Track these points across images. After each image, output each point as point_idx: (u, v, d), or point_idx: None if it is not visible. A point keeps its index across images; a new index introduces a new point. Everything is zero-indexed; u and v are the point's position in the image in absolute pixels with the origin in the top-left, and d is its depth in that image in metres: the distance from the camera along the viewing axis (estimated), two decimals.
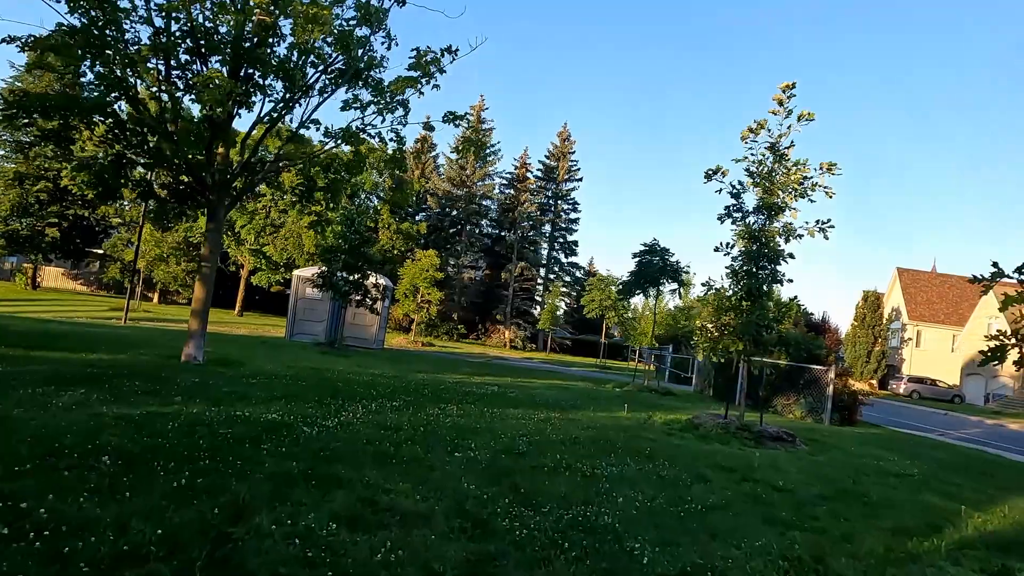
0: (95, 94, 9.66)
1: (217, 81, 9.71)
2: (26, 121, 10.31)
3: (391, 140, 12.12)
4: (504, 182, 54.71)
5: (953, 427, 19.87)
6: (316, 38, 10.16)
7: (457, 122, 12.12)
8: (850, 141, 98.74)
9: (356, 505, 3.91)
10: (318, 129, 11.54)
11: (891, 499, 6.19)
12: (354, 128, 11.54)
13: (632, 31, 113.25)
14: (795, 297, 10.84)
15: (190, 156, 10.73)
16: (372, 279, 21.61)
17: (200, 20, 10.12)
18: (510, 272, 51.33)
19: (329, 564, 3.02)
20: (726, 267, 10.30)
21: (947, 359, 43.93)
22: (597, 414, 10.48)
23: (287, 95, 11.08)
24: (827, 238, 9.71)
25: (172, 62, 10.24)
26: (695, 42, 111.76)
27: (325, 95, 11.61)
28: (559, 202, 54.40)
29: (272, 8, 9.89)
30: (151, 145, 10.68)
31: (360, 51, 11.15)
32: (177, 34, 10.10)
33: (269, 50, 10.64)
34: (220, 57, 10.58)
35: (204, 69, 10.39)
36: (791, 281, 10.12)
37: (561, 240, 55.49)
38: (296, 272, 23.98)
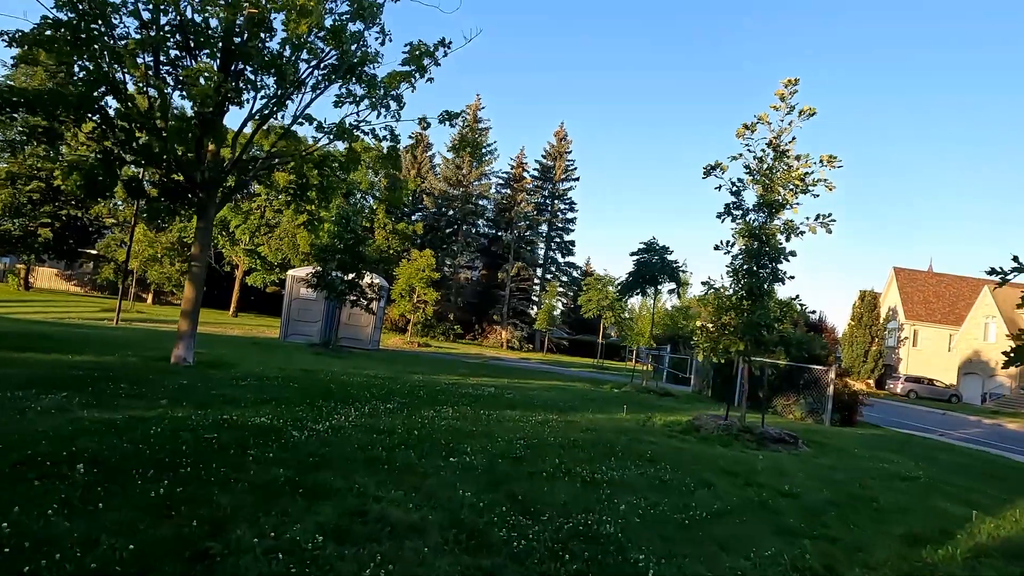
0: (81, 88, 9.42)
1: (207, 75, 9.49)
2: (11, 115, 10.01)
3: (385, 138, 11.96)
4: (500, 182, 54.61)
5: (953, 427, 19.77)
6: (305, 31, 9.93)
7: (453, 121, 11.96)
8: (851, 141, 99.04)
9: (345, 516, 3.69)
10: (311, 124, 11.32)
11: (900, 504, 6.01)
12: (347, 124, 11.33)
13: (632, 31, 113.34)
14: (797, 296, 10.65)
15: (180, 153, 10.50)
16: (368, 279, 21.37)
17: (189, 14, 9.90)
18: (507, 272, 51.14)
19: None
20: (726, 266, 10.13)
21: (944, 358, 43.94)
22: (596, 416, 10.28)
23: (279, 91, 10.86)
24: (830, 232, 9.53)
25: (161, 57, 10.02)
26: (695, 41, 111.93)
27: (318, 91, 11.42)
28: (556, 202, 54.24)
29: (262, 0, 9.67)
30: (140, 142, 10.44)
31: (354, 46, 10.95)
32: (167, 28, 9.88)
33: (260, 44, 10.42)
34: (210, 51, 10.37)
35: (193, 64, 10.17)
36: (792, 278, 9.94)
37: (558, 240, 55.36)
38: (290, 272, 23.66)
